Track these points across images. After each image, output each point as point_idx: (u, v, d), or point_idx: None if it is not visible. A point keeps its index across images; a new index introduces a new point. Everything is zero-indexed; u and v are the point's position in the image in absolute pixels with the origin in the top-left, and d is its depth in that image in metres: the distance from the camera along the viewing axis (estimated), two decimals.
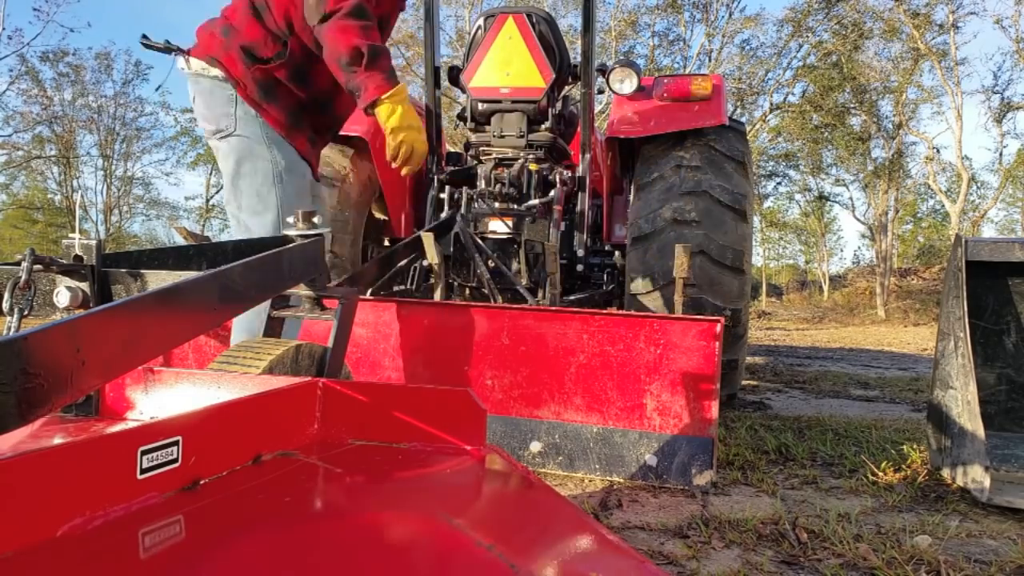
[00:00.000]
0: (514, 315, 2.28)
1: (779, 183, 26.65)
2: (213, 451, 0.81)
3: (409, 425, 0.97)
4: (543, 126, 3.48)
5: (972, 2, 22.94)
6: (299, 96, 2.17)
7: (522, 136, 3.41)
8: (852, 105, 20.77)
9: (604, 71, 3.55)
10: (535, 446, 2.22)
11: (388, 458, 0.93)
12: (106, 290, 1.30)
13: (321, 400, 0.99)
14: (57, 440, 0.99)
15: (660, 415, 2.14)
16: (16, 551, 0.59)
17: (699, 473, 2.10)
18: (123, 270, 1.32)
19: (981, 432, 2.04)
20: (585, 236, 3.48)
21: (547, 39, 3.45)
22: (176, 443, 0.75)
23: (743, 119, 18.30)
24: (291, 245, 1.53)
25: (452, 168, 3.70)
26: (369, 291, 3.00)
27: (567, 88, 3.74)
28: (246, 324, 2.03)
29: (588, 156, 3.46)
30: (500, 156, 3.45)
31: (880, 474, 2.30)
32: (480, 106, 3.47)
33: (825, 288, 27.48)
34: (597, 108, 7.51)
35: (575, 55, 3.56)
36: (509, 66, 3.40)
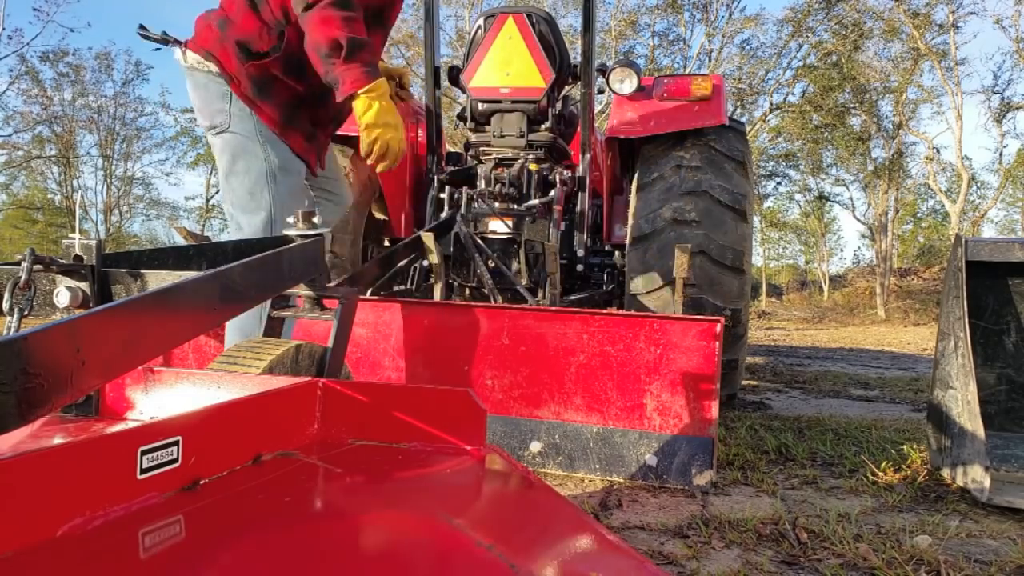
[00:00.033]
0: (514, 315, 2.28)
1: (779, 183, 26.69)
2: (213, 451, 0.81)
3: (409, 425, 0.97)
4: (543, 126, 3.47)
5: (972, 2, 22.97)
6: (296, 90, 2.15)
7: (522, 136, 3.41)
8: (852, 105, 20.77)
9: (604, 71, 3.55)
10: (535, 446, 2.22)
11: (388, 458, 0.93)
12: (106, 290, 1.30)
13: (321, 400, 0.99)
14: (57, 440, 0.99)
15: (660, 415, 2.14)
16: (16, 551, 0.59)
17: (699, 473, 2.10)
18: (123, 270, 1.32)
19: (981, 432, 2.04)
20: (585, 236, 3.48)
21: (547, 39, 3.44)
22: (176, 443, 0.75)
23: (743, 119, 18.29)
24: (291, 245, 1.53)
25: (452, 168, 3.70)
26: (369, 291, 3.00)
27: (567, 88, 3.73)
28: (239, 324, 2.03)
29: (588, 156, 3.46)
30: (500, 156, 3.45)
31: (880, 474, 2.30)
32: (480, 106, 3.47)
33: (825, 288, 27.48)
34: (597, 108, 7.50)
35: (575, 55, 3.55)
36: (509, 66, 3.40)
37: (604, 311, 2.38)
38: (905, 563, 1.56)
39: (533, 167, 3.41)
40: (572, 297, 3.44)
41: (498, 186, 3.29)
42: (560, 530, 0.75)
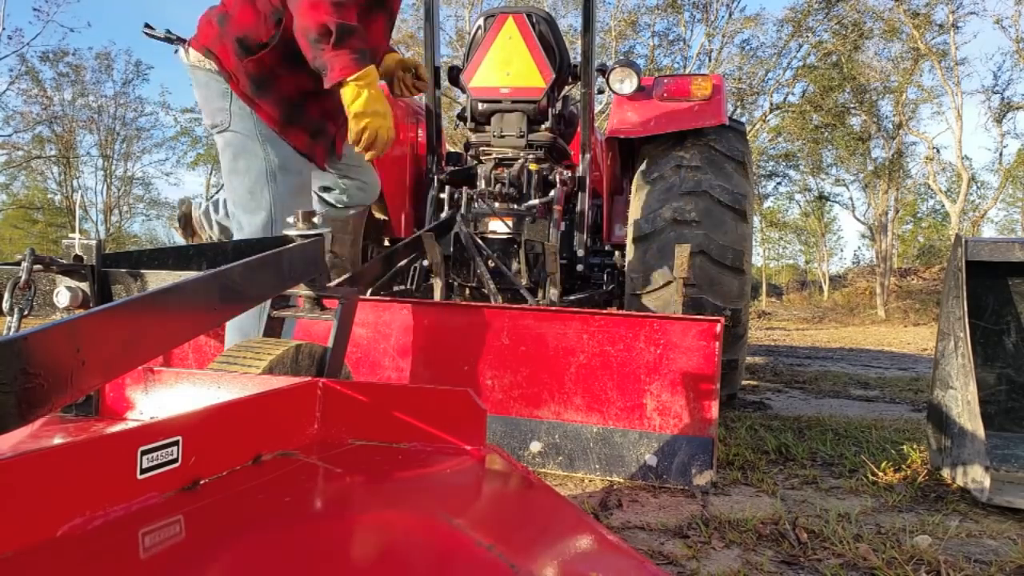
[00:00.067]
0: (514, 315, 2.28)
1: (779, 183, 26.66)
2: (213, 451, 0.81)
3: (409, 425, 0.97)
4: (543, 126, 3.47)
5: (972, 2, 22.98)
6: (300, 82, 2.11)
7: (522, 136, 3.41)
8: (852, 105, 20.77)
9: (604, 71, 3.55)
10: (535, 446, 2.22)
11: (388, 458, 0.93)
12: (106, 290, 1.30)
13: (321, 400, 0.99)
14: (57, 440, 0.99)
15: (660, 415, 2.14)
16: (16, 551, 0.59)
17: (699, 473, 2.10)
18: (123, 270, 1.32)
19: (981, 432, 2.04)
20: (585, 236, 3.48)
21: (547, 39, 3.45)
22: (176, 443, 0.75)
23: (743, 119, 18.30)
24: (291, 245, 1.53)
25: (452, 168, 3.70)
26: (369, 291, 3.00)
27: (567, 88, 3.74)
28: (239, 324, 2.03)
29: (588, 156, 3.46)
30: (500, 156, 3.45)
31: (880, 474, 2.30)
32: (480, 106, 3.47)
33: (825, 288, 27.48)
34: (597, 108, 7.50)
35: (575, 55, 3.56)
36: (509, 66, 3.40)
37: (604, 311, 2.38)
38: (905, 563, 1.56)
39: (533, 167, 3.41)
40: (572, 297, 3.44)
41: (498, 186, 3.29)
42: (560, 530, 0.75)
